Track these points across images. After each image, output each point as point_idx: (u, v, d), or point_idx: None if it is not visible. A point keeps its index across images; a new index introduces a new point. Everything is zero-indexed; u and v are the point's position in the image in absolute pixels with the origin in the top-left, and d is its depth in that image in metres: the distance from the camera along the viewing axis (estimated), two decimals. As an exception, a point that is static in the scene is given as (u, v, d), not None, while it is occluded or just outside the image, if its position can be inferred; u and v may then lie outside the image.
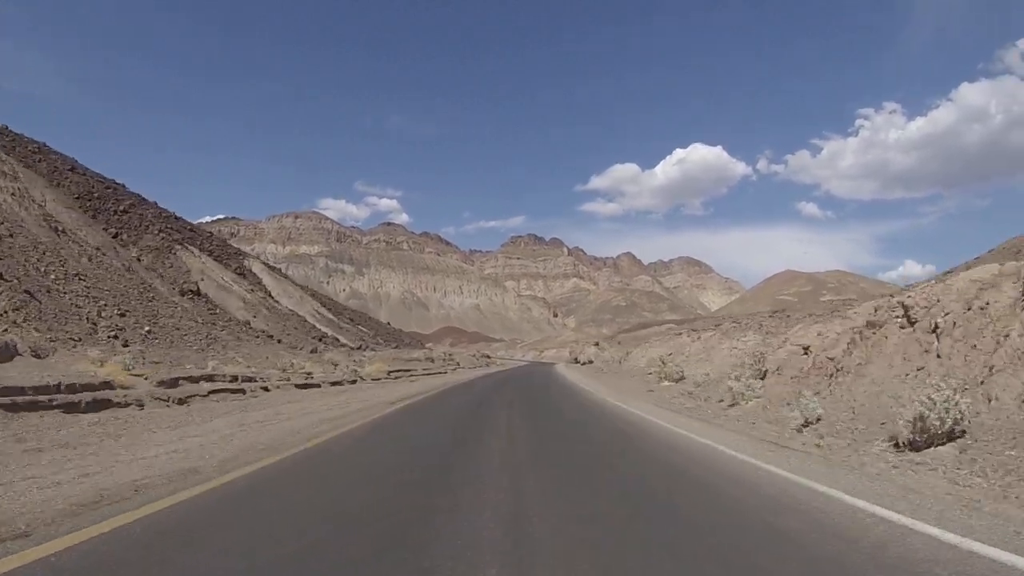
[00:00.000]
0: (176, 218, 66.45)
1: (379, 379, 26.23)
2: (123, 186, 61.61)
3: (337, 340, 56.77)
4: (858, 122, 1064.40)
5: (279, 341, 34.12)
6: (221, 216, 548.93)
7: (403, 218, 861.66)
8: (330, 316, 71.60)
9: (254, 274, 62.90)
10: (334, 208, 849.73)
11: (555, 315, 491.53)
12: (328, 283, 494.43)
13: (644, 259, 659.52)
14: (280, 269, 77.98)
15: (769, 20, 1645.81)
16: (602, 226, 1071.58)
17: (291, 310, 56.39)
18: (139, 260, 43.07)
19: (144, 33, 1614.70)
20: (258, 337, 32.10)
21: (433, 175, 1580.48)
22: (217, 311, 36.65)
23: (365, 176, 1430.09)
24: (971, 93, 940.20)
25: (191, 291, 37.59)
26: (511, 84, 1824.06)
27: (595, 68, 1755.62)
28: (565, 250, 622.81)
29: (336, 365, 28.40)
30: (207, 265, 47.41)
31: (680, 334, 35.79)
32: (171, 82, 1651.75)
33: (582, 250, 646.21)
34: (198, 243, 60.08)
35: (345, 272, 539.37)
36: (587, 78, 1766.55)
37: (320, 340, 47.59)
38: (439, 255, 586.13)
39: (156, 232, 50.96)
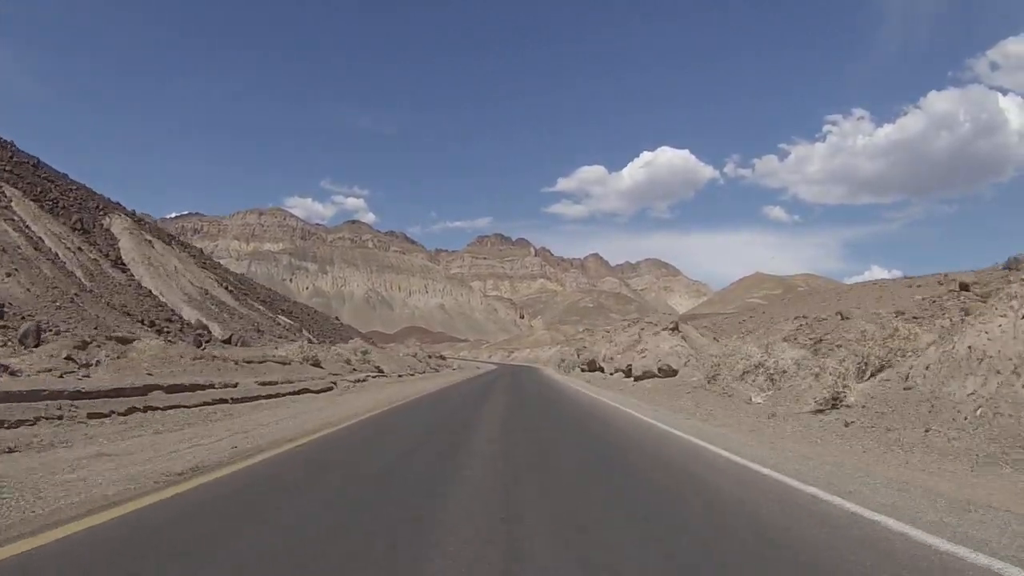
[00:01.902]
0: (34, 164, 50.94)
1: None
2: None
3: (205, 329, 41.90)
4: (826, 128, 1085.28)
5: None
6: (185, 212, 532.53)
7: (369, 217, 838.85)
8: (223, 299, 56.48)
9: (110, 233, 47.29)
10: (300, 206, 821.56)
11: (521, 316, 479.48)
12: (291, 281, 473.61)
13: (611, 260, 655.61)
14: (171, 233, 61.76)
15: (739, 26, 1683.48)
16: (569, 227, 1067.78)
17: (134, 280, 41.23)
18: None
19: (114, 30, 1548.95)
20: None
21: (400, 175, 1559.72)
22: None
23: (332, 174, 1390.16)
24: (939, 101, 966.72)
25: None
26: (480, 85, 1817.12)
27: (564, 70, 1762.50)
28: (532, 250, 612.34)
29: None
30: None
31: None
32: (138, 79, 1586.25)
33: (549, 251, 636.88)
34: (31, 187, 44.19)
35: (308, 270, 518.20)
36: (555, 80, 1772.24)
37: (150, 325, 32.83)
38: (404, 254, 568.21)
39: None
